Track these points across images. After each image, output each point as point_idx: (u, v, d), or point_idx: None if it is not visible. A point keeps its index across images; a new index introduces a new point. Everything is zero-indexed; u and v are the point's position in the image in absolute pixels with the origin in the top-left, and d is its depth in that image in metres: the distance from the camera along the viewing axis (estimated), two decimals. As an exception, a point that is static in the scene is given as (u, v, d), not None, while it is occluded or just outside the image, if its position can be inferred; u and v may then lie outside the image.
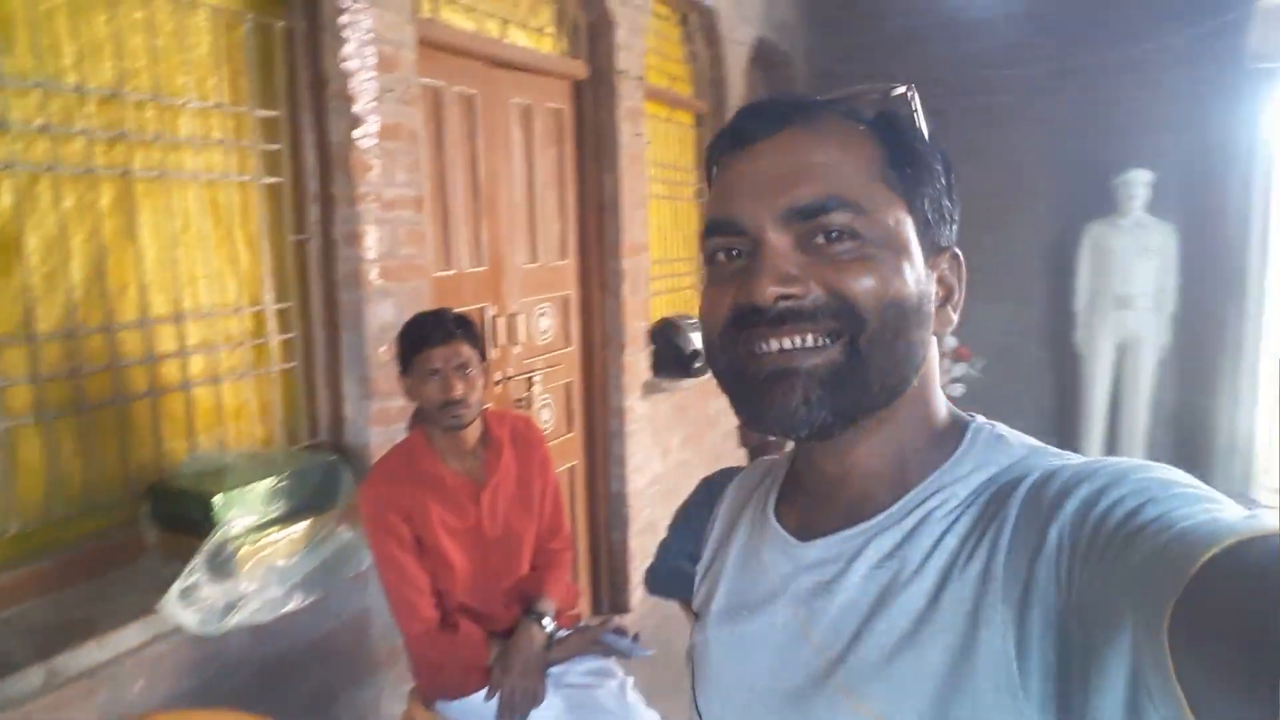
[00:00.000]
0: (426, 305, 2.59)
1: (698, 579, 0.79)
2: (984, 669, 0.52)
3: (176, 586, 1.75)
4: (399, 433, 2.35)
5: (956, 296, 0.65)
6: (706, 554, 0.79)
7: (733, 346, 0.61)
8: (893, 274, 0.59)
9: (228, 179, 2.18)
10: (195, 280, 2.13)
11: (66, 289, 1.85)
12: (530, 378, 3.32)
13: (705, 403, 4.46)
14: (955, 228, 0.65)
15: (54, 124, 1.80)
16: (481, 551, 2.06)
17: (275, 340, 2.32)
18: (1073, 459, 0.58)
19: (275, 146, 2.28)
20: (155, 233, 2.03)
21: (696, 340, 3.99)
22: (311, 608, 2.06)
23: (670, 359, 4.09)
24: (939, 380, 0.65)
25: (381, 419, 2.46)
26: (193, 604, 1.77)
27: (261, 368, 2.29)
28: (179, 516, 1.94)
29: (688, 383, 4.11)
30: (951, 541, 0.57)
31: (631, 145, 3.71)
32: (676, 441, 4.28)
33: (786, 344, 0.58)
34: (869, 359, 0.58)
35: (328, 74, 2.33)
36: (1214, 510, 0.45)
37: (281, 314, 2.34)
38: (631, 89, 3.70)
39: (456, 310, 2.06)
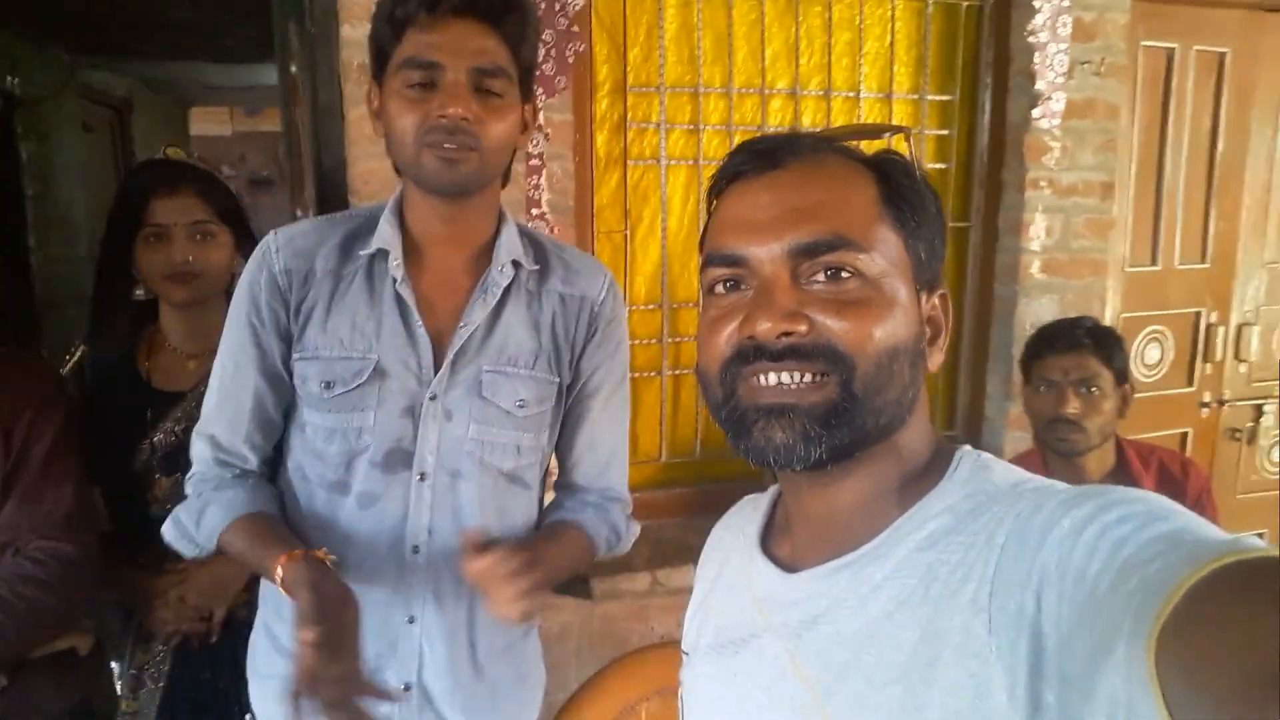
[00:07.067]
0: (1101, 305, 2.28)
1: (688, 618, 0.79)
2: (973, 701, 0.51)
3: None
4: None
5: (943, 336, 0.64)
6: (697, 593, 0.78)
7: (733, 380, 0.61)
8: (888, 316, 0.59)
9: (891, 166, 2.23)
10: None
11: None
12: (1260, 406, 2.63)
13: None
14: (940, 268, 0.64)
15: (734, 123, 2.09)
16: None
17: (919, 327, 2.32)
18: (1058, 486, 0.55)
19: (946, 132, 2.24)
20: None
21: None
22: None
23: None
24: (927, 413, 0.64)
25: (1022, 424, 2.26)
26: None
27: (902, 353, 2.32)
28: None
29: None
30: (940, 571, 0.55)
31: None
32: None
33: (786, 379, 0.58)
34: (863, 400, 0.58)
35: (1012, 51, 2.18)
36: (1201, 535, 0.44)
37: (931, 302, 2.32)
38: None
39: (1094, 319, 1.77)
